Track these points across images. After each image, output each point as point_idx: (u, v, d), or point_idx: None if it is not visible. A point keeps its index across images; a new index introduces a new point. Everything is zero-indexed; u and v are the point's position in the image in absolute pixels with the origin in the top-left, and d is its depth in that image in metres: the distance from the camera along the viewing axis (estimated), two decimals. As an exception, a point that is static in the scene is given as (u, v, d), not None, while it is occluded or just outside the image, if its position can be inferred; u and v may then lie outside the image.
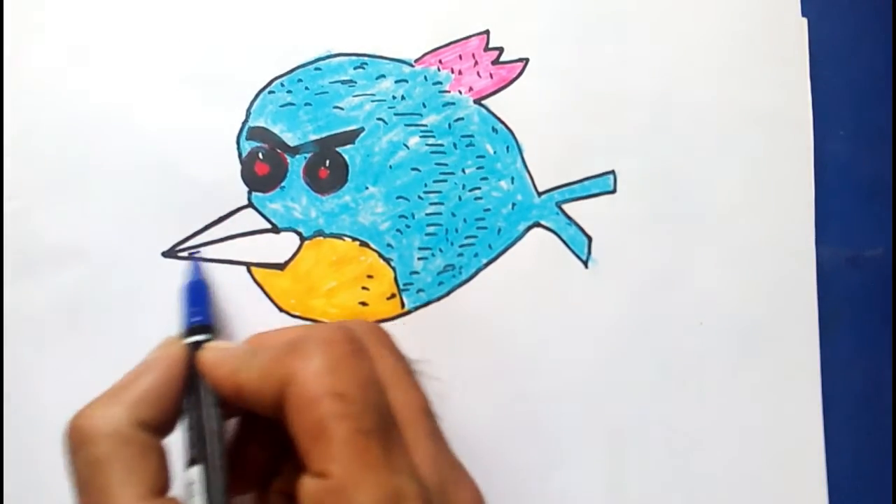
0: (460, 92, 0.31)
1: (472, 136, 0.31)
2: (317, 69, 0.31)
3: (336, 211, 0.30)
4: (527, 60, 0.31)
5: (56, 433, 0.26)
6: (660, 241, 0.31)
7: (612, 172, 0.31)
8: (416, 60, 0.31)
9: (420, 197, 0.30)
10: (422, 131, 0.31)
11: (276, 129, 0.30)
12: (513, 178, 0.31)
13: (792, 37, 0.32)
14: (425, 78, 0.31)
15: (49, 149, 0.30)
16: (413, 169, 0.31)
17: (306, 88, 0.30)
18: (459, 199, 0.31)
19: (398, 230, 0.30)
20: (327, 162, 0.30)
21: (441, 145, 0.31)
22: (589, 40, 0.32)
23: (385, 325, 0.30)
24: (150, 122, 0.30)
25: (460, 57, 0.31)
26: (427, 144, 0.31)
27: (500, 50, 0.31)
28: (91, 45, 0.30)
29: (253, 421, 0.26)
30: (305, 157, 0.30)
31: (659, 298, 0.31)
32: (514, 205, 0.31)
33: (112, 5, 0.30)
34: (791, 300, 0.32)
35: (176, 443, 0.24)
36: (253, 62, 0.30)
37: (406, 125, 0.31)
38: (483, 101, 0.31)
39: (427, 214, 0.30)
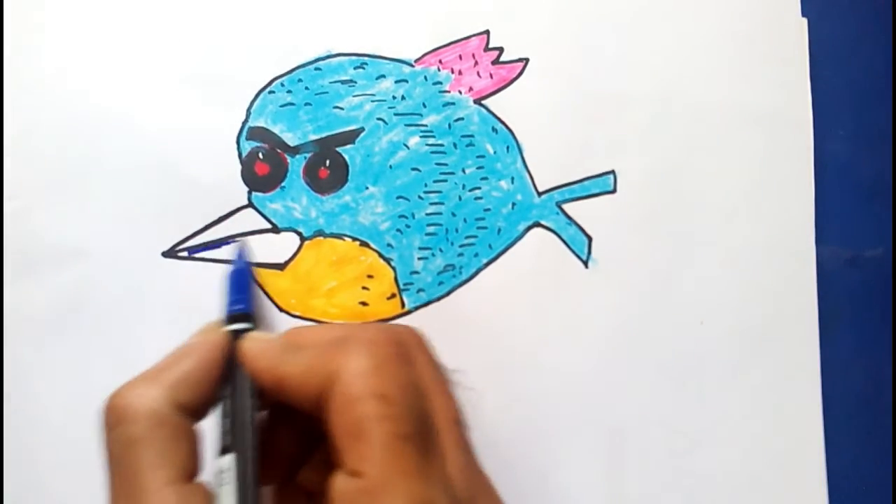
0: (460, 92, 0.31)
1: (472, 136, 0.31)
2: (317, 69, 0.31)
3: (336, 211, 0.30)
4: (527, 60, 0.31)
5: (56, 433, 0.26)
6: (660, 241, 0.31)
7: (612, 172, 0.31)
8: (416, 60, 0.31)
9: (420, 197, 0.30)
10: (422, 131, 0.31)
11: (276, 129, 0.30)
12: (513, 178, 0.31)
13: (792, 37, 0.32)
14: (425, 78, 0.31)
15: (49, 149, 0.30)
16: (413, 169, 0.31)
17: (306, 88, 0.30)
18: (459, 198, 0.31)
19: (398, 230, 0.30)
20: (327, 162, 0.30)
21: (441, 145, 0.31)
22: (589, 40, 0.32)
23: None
24: (151, 122, 0.30)
25: (460, 57, 0.31)
26: (427, 144, 0.31)
27: (500, 50, 0.31)
28: (91, 45, 0.30)
29: (282, 414, 0.25)
30: (305, 157, 0.30)
31: (659, 298, 0.31)
32: (514, 205, 0.31)
33: (112, 5, 0.30)
34: (791, 300, 0.32)
35: (208, 429, 0.24)
36: (253, 62, 0.30)
37: (406, 125, 0.31)
38: (483, 101, 0.31)
39: (427, 214, 0.30)
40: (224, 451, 0.23)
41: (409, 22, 0.31)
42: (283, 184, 0.30)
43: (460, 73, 0.31)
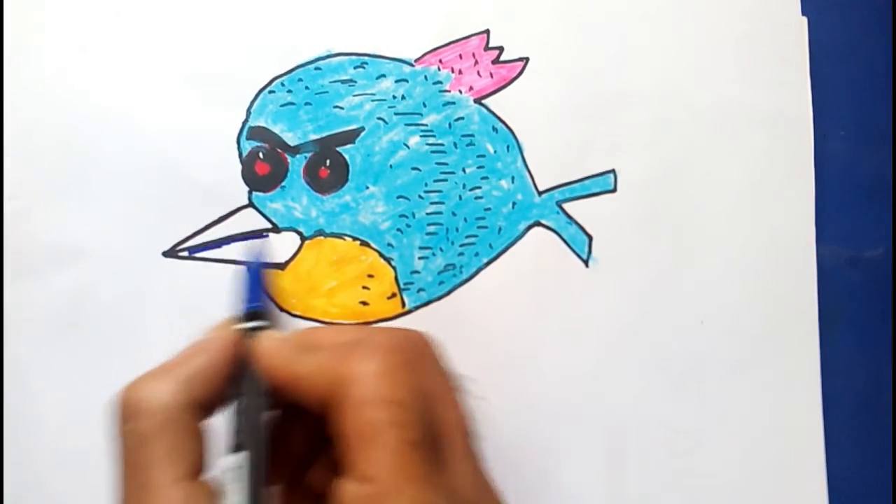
0: (460, 91, 0.31)
1: (472, 135, 0.31)
2: (317, 69, 0.31)
3: (336, 210, 0.30)
4: (527, 60, 0.31)
5: (56, 433, 0.26)
6: (660, 241, 0.31)
7: (613, 171, 0.31)
8: (416, 60, 0.31)
9: (420, 196, 0.30)
10: (422, 131, 0.31)
11: (276, 129, 0.30)
12: (513, 178, 0.31)
13: (792, 37, 0.32)
14: (425, 77, 0.31)
15: (49, 149, 0.30)
16: (413, 168, 0.31)
17: (306, 88, 0.30)
18: (460, 198, 0.31)
19: (399, 230, 0.30)
20: (328, 161, 0.30)
21: (441, 145, 0.31)
22: (589, 40, 0.32)
23: (385, 325, 0.30)
24: (151, 122, 0.30)
25: (460, 56, 0.31)
26: (427, 144, 0.31)
27: (500, 49, 0.31)
28: (91, 45, 0.30)
29: (292, 414, 0.25)
30: (306, 157, 0.30)
31: (659, 298, 0.31)
32: (514, 204, 0.31)
33: (112, 5, 0.30)
34: (791, 300, 0.32)
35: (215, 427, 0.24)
36: (253, 62, 0.30)
37: (406, 125, 0.31)
38: (483, 101, 0.31)
39: (427, 214, 0.30)
40: (233, 449, 0.23)
41: (409, 21, 0.31)
42: (283, 183, 0.30)
43: (460, 72, 0.31)
